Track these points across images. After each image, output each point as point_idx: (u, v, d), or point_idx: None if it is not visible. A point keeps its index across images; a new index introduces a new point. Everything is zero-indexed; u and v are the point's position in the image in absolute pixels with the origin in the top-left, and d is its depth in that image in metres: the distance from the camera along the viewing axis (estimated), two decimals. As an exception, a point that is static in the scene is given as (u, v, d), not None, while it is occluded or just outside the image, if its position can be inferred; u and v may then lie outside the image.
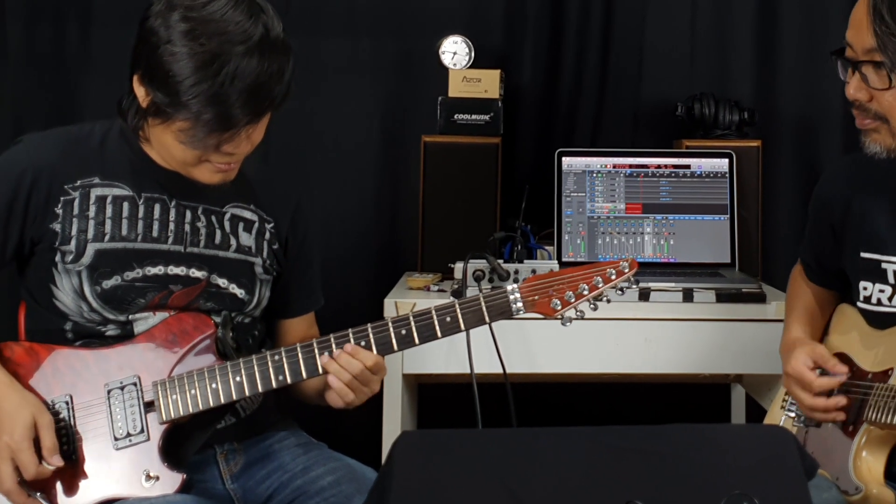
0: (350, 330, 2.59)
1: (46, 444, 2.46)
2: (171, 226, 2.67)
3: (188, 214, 2.70)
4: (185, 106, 2.42)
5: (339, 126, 4.59)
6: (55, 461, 2.46)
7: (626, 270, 2.62)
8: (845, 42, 2.49)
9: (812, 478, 2.10)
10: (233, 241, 2.75)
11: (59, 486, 2.49)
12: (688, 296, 3.63)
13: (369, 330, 2.59)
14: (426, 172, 4.11)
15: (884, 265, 2.65)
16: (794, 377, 2.75)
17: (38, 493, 2.46)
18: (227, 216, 2.76)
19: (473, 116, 4.16)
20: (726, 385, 4.70)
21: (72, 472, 2.50)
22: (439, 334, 2.60)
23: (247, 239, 2.78)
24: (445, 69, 4.21)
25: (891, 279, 2.63)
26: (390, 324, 2.60)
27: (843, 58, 2.50)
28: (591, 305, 2.64)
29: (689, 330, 3.61)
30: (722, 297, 3.64)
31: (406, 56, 4.59)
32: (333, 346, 2.57)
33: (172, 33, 2.42)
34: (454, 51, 4.21)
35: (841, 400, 2.67)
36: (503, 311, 2.61)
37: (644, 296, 3.60)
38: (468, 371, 3.17)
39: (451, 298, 3.52)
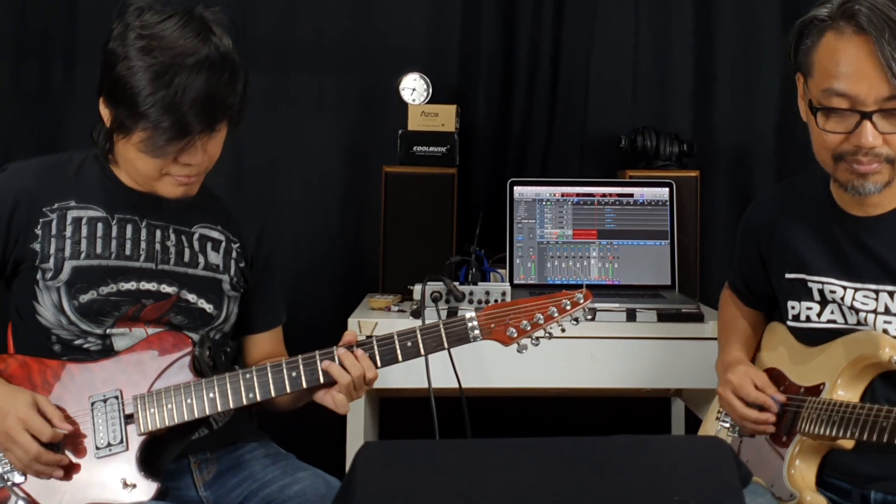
0: (317, 352, 2.61)
1: (50, 413, 2.49)
2: (143, 244, 2.69)
3: (158, 234, 2.72)
4: (144, 115, 2.45)
5: (306, 156, 4.60)
6: (64, 425, 2.50)
7: (581, 301, 2.64)
8: (841, 93, 2.38)
9: (747, 485, 2.12)
10: (201, 259, 2.77)
11: (42, 490, 2.50)
12: (631, 315, 3.65)
13: (335, 353, 2.61)
14: (387, 200, 4.11)
15: (809, 284, 2.66)
16: (734, 384, 2.76)
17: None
18: (196, 236, 2.79)
19: (431, 148, 4.17)
20: (667, 398, 4.72)
21: (55, 476, 2.51)
22: (400, 358, 2.62)
23: (215, 257, 2.80)
24: (405, 104, 4.23)
25: (816, 296, 2.65)
26: (355, 348, 2.61)
27: (838, 112, 2.40)
28: (546, 335, 2.65)
29: (632, 347, 3.62)
30: (663, 316, 3.66)
31: (368, 92, 4.60)
32: (301, 366, 2.58)
33: (129, 50, 2.47)
34: (413, 87, 4.23)
35: (770, 416, 2.69)
36: (461, 338, 2.62)
37: (590, 310, 3.60)
38: (426, 386, 3.17)
39: (411, 318, 3.56)
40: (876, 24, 2.31)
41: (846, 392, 2.55)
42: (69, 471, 2.52)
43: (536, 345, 2.65)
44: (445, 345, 2.62)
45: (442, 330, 2.61)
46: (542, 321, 2.62)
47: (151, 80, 2.44)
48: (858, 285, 2.56)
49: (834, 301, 2.61)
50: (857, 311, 2.55)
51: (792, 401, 2.67)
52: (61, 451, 2.51)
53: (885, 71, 2.30)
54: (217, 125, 2.55)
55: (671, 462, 2.10)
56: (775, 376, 2.79)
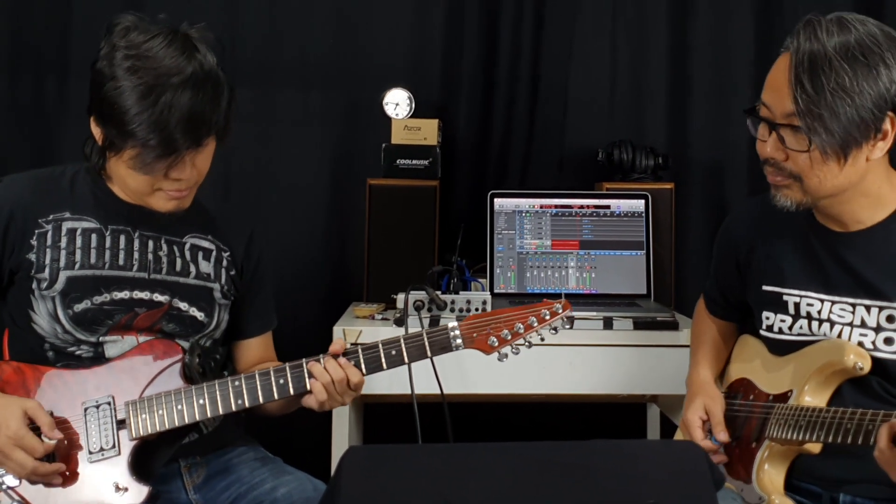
0: (304, 360, 2.62)
1: (43, 422, 2.49)
2: (136, 255, 2.71)
3: (150, 244, 2.73)
4: (132, 134, 2.46)
5: (293, 169, 4.60)
6: (55, 434, 2.49)
7: (560, 311, 2.66)
8: (761, 101, 2.47)
9: (720, 488, 2.14)
10: (192, 269, 2.79)
11: (36, 493, 2.50)
12: (608, 324, 3.65)
13: (322, 358, 2.62)
14: (371, 212, 4.12)
15: (785, 297, 2.67)
16: (686, 427, 2.81)
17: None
18: (187, 246, 2.80)
19: (414, 161, 4.18)
20: (643, 404, 4.72)
21: (55, 483, 2.52)
22: (385, 366, 2.63)
23: (206, 266, 2.82)
24: (388, 119, 4.23)
25: (791, 310, 2.66)
26: (341, 356, 2.62)
27: (757, 117, 2.48)
28: (526, 344, 2.66)
29: (609, 354, 3.64)
30: (638, 324, 3.67)
31: (353, 106, 4.60)
32: (288, 373, 2.60)
33: (116, 70, 2.47)
34: (397, 102, 4.23)
35: (723, 458, 2.73)
36: (444, 347, 2.63)
37: (568, 320, 3.61)
38: (409, 392, 3.18)
39: (394, 326, 3.56)
40: (800, 45, 2.36)
41: (813, 398, 2.56)
42: (64, 478, 2.53)
43: (516, 353, 2.66)
44: (429, 353, 2.64)
45: (425, 339, 2.63)
46: (522, 330, 2.63)
47: (138, 99, 2.45)
48: (836, 298, 2.57)
49: (808, 316, 2.62)
50: (833, 324, 2.57)
51: (761, 408, 2.69)
52: (56, 458, 2.52)
53: (788, 86, 2.36)
54: (203, 140, 2.56)
55: (647, 465, 2.12)
56: (744, 385, 2.82)
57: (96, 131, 2.60)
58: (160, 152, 2.49)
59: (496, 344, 2.63)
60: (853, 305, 2.54)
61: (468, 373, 3.50)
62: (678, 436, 3.05)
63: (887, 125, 2.38)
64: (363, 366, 2.63)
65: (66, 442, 2.54)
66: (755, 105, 2.50)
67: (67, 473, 2.53)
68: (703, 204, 4.70)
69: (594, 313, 3.69)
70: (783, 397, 2.64)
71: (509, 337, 2.63)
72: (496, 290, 4.05)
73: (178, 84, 2.46)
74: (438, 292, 3.58)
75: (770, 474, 2.60)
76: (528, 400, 4.33)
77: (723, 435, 2.74)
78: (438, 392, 3.31)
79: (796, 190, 2.48)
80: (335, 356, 2.63)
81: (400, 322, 3.53)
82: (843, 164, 2.40)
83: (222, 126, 2.59)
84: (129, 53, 2.49)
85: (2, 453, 2.45)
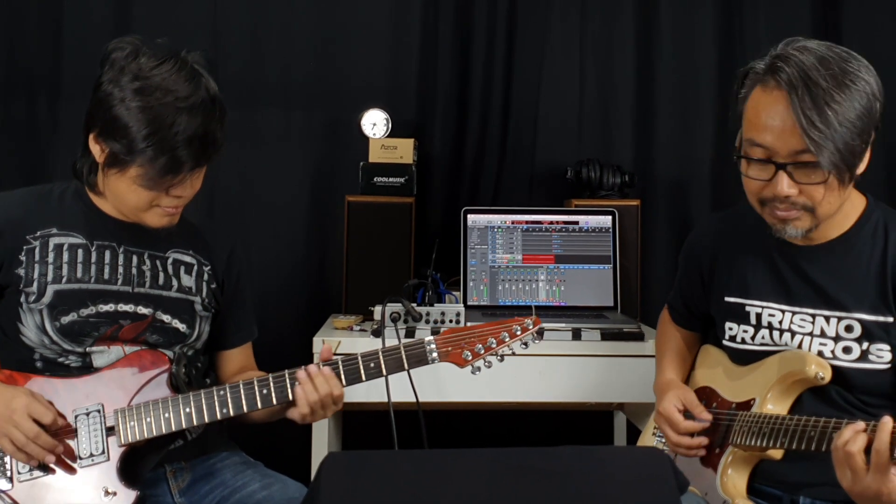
0: (286, 371, 2.63)
1: (46, 404, 2.52)
2: (121, 269, 2.71)
3: (135, 259, 2.74)
4: (142, 152, 2.50)
5: (275, 186, 4.61)
6: (54, 412, 2.52)
7: (531, 327, 2.68)
8: (754, 144, 2.42)
9: (684, 492, 2.15)
10: (175, 282, 2.80)
11: (28, 496, 2.51)
12: (576, 335, 3.66)
13: (307, 369, 2.63)
14: (349, 227, 4.13)
15: (748, 308, 2.68)
16: (664, 416, 2.79)
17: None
18: (170, 260, 2.81)
19: (390, 179, 4.19)
20: (610, 412, 4.74)
21: (40, 484, 2.52)
22: (363, 378, 2.64)
23: (188, 280, 2.83)
24: (366, 138, 4.25)
25: (753, 320, 2.67)
26: (320, 367, 2.63)
27: (757, 161, 2.43)
28: (498, 357, 2.68)
29: (577, 364, 3.64)
30: (606, 335, 3.67)
31: (332, 126, 4.61)
32: (271, 384, 2.61)
33: (126, 93, 2.51)
34: (374, 122, 4.25)
35: (703, 440, 2.72)
36: (420, 360, 2.65)
37: (538, 334, 3.62)
38: (386, 400, 3.18)
39: (372, 336, 3.57)
40: (793, 83, 2.34)
41: (775, 406, 2.58)
42: (59, 456, 2.54)
43: (489, 367, 2.68)
44: (406, 366, 2.65)
45: (402, 353, 2.64)
46: (494, 345, 2.66)
47: (149, 121, 2.49)
48: (797, 309, 2.59)
49: (769, 326, 2.64)
50: (794, 334, 2.58)
51: (724, 415, 2.69)
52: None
53: (798, 126, 2.32)
54: (208, 160, 2.61)
55: (614, 470, 2.13)
56: (707, 393, 2.82)
57: (96, 148, 2.61)
58: (167, 171, 2.53)
59: (470, 357, 2.65)
60: (813, 316, 2.56)
61: (443, 382, 3.51)
62: (643, 440, 3.06)
63: (871, 139, 2.41)
64: (343, 377, 2.64)
65: (62, 428, 2.55)
66: (745, 151, 2.46)
67: (59, 462, 2.54)
68: (668, 220, 4.73)
69: (563, 325, 3.69)
70: (746, 405, 2.65)
71: (482, 351, 2.65)
72: (469, 303, 4.06)
73: (187, 108, 2.51)
74: (414, 304, 3.59)
75: (733, 479, 2.61)
76: (500, 408, 4.33)
77: (705, 414, 2.73)
78: (414, 400, 3.32)
79: (807, 219, 2.47)
80: (324, 361, 2.65)
81: (377, 333, 3.54)
82: (847, 186, 2.43)
83: (221, 147, 2.63)
84: (140, 75, 2.53)
85: (11, 420, 2.47)
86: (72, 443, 2.56)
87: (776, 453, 2.53)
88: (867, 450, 2.20)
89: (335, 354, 2.71)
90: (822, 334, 2.54)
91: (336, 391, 2.63)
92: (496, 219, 4.16)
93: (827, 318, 2.54)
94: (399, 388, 3.23)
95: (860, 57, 2.40)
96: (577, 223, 4.17)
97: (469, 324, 3.14)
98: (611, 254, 4.15)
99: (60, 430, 2.55)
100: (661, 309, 3.19)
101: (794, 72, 2.35)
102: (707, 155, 4.72)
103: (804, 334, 2.57)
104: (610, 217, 4.18)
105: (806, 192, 2.41)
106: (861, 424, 2.23)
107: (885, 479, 2.16)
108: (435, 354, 2.65)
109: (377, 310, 3.60)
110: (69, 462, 2.55)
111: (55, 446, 2.52)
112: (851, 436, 2.22)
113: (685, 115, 4.74)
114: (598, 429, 4.74)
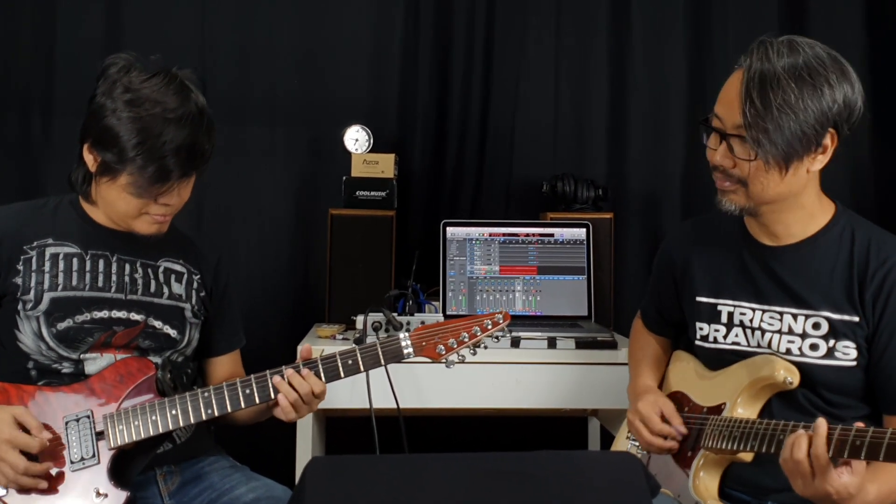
0: (268, 371, 2.65)
1: (31, 425, 2.50)
2: (114, 277, 2.73)
3: (127, 267, 2.76)
4: (132, 161, 2.53)
5: (260, 199, 4.60)
6: (44, 434, 2.51)
7: (501, 321, 2.70)
8: (714, 113, 2.50)
9: (655, 496, 2.16)
10: (166, 290, 2.81)
11: (22, 501, 2.50)
12: (552, 343, 3.67)
13: (284, 371, 2.65)
14: (332, 240, 4.12)
15: (719, 307, 2.70)
16: (641, 415, 2.79)
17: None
18: (161, 269, 2.83)
19: (372, 193, 4.18)
20: (584, 418, 4.73)
21: (40, 488, 2.52)
22: (342, 374, 2.66)
23: (178, 288, 2.85)
24: (348, 153, 4.25)
25: (724, 319, 2.69)
26: (301, 366, 2.65)
27: (709, 127, 2.52)
28: (471, 351, 2.70)
29: (552, 372, 3.64)
30: (580, 344, 3.68)
31: (316, 142, 4.61)
32: (254, 383, 2.62)
33: (118, 104, 2.55)
34: (356, 137, 4.25)
35: (673, 444, 2.74)
36: (396, 355, 2.67)
37: (515, 343, 3.64)
38: (368, 406, 3.19)
39: (354, 345, 3.57)
40: (753, 64, 2.41)
41: (745, 410, 2.59)
42: (49, 483, 2.52)
43: (462, 360, 2.70)
44: (382, 361, 2.67)
45: (378, 348, 2.66)
46: (466, 339, 2.68)
47: (139, 131, 2.52)
48: (766, 307, 2.61)
49: (741, 324, 2.65)
50: (764, 332, 2.60)
51: (696, 420, 2.70)
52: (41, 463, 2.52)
53: (738, 100, 2.40)
54: (196, 171, 2.64)
55: (588, 475, 2.14)
56: (679, 398, 2.83)
57: (89, 158, 2.64)
58: (156, 179, 2.56)
59: (443, 352, 2.67)
60: (781, 314, 2.57)
61: (422, 388, 3.51)
62: (616, 444, 3.07)
63: (827, 140, 2.43)
64: (322, 374, 2.65)
65: (51, 452, 2.53)
66: (708, 116, 2.53)
67: (54, 474, 2.53)
68: (640, 232, 4.74)
69: (539, 334, 3.70)
70: (717, 409, 2.66)
71: (455, 345, 2.67)
72: (448, 312, 4.06)
73: (176, 119, 2.54)
74: (395, 314, 3.58)
75: (705, 481, 2.62)
76: (477, 414, 4.34)
77: (682, 428, 2.73)
78: (395, 406, 3.32)
79: (741, 195, 2.51)
80: (304, 361, 2.66)
81: (359, 342, 3.50)
82: (785, 173, 2.44)
83: (208, 159, 2.65)
84: (131, 88, 2.57)
85: None
86: (63, 448, 2.56)
87: (746, 456, 2.54)
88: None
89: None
90: (790, 331, 2.56)
91: (317, 388, 2.64)
92: (474, 231, 4.17)
93: (795, 316, 2.55)
94: (381, 395, 3.24)
95: (849, 70, 2.44)
96: (552, 235, 4.17)
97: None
98: (585, 265, 4.15)
99: (51, 442, 2.55)
100: (633, 318, 3.21)
101: (761, 55, 2.42)
102: (678, 169, 4.73)
103: (773, 332, 2.58)
104: (584, 230, 4.18)
105: (739, 165, 2.47)
106: (800, 431, 2.24)
107: (830, 479, 2.17)
108: (410, 349, 2.67)
109: (359, 319, 3.59)
110: (62, 470, 2.55)
111: (45, 471, 2.51)
112: (794, 442, 2.23)
113: (657, 131, 4.75)
114: (573, 434, 4.74)
